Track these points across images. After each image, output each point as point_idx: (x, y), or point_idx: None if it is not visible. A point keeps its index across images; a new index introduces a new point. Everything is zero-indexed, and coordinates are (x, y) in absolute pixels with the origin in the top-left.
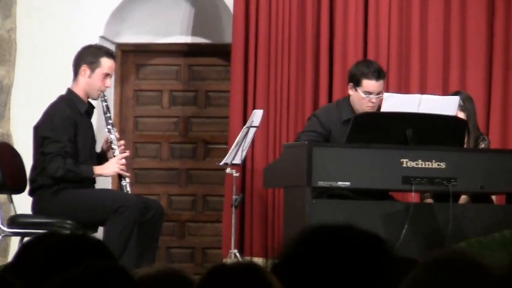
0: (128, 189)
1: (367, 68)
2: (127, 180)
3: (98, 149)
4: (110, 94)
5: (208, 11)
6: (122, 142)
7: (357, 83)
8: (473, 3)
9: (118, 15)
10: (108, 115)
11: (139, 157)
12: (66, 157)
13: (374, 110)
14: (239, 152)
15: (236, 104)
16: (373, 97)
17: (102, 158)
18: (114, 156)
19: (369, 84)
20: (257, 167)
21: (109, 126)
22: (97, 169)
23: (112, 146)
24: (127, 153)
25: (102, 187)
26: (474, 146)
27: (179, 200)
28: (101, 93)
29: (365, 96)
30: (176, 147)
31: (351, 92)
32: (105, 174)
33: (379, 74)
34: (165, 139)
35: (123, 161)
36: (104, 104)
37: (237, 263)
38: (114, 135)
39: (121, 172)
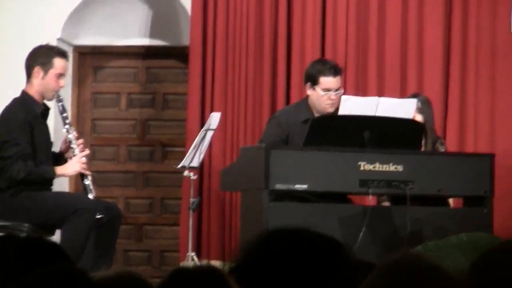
0: (91, 187)
1: (323, 65)
2: (89, 178)
3: (56, 150)
4: (68, 97)
5: (165, 13)
6: (81, 140)
7: (314, 82)
8: (431, 5)
9: (76, 17)
10: (65, 115)
11: (97, 159)
12: (27, 159)
13: (334, 107)
14: (197, 155)
15: (193, 106)
16: (332, 94)
17: (60, 159)
18: (74, 155)
19: (327, 80)
20: (214, 170)
21: (66, 126)
22: (59, 170)
23: (72, 146)
24: (87, 152)
25: (59, 190)
26: (432, 149)
27: (137, 203)
28: (56, 94)
29: (324, 93)
30: (133, 150)
31: (309, 92)
32: (67, 174)
33: (335, 70)
34: (122, 142)
35: (84, 159)
36: (60, 104)
37: (196, 266)
38: (72, 135)
39: (83, 171)
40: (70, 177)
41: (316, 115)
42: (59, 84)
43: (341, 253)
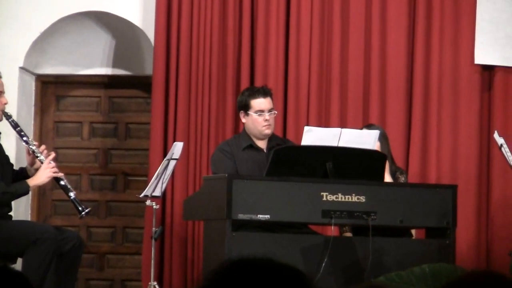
0: (69, 186)
1: (251, 90)
2: (64, 179)
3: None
4: (30, 125)
5: (129, 43)
6: (43, 147)
7: (247, 107)
8: (394, 35)
9: (39, 46)
10: (18, 129)
11: (59, 188)
12: None
13: (270, 129)
14: (159, 184)
15: (156, 136)
16: (266, 115)
17: (26, 175)
18: (42, 163)
19: (259, 102)
20: (177, 200)
21: (24, 138)
22: (31, 181)
23: (36, 155)
24: (53, 154)
25: (21, 219)
26: (392, 180)
27: (99, 232)
28: (3, 112)
29: (258, 115)
30: (96, 179)
31: (244, 120)
32: (40, 183)
33: (264, 91)
34: (85, 171)
35: (52, 163)
36: (10, 120)
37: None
38: (32, 145)
39: (55, 175)
40: (33, 192)
41: (255, 140)
42: (2, 103)
43: (302, 283)
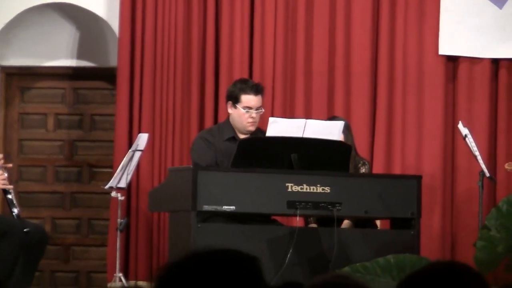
0: (15, 202)
1: (244, 84)
2: (12, 193)
3: None
4: None
5: (93, 34)
6: (1, 155)
7: (236, 100)
8: (358, 26)
9: (3, 38)
10: None
11: (24, 180)
12: None
13: (254, 126)
14: (124, 176)
15: (121, 127)
16: (253, 112)
17: None
18: None
19: (248, 98)
20: (142, 191)
21: None
22: None
23: None
24: (9, 165)
25: None
26: (354, 171)
27: (64, 224)
28: None
29: (245, 111)
30: (61, 171)
31: (230, 110)
32: None
33: (257, 88)
34: (50, 163)
35: (5, 175)
36: None
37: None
38: None
39: (3, 186)
40: None
41: (238, 133)
42: None
43: (258, 273)
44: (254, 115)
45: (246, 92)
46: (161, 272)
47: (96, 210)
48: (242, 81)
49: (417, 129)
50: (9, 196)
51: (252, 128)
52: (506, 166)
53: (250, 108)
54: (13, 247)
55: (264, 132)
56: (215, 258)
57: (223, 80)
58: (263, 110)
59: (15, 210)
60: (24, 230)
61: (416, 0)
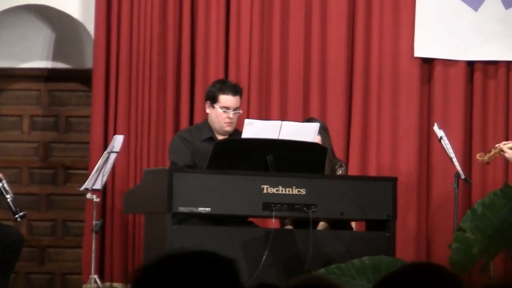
0: (7, 188)
1: (223, 84)
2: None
3: None
4: None
5: (69, 36)
6: None
7: (214, 100)
8: (334, 27)
9: None
10: None
11: None
12: None
13: (232, 127)
14: (100, 178)
15: (96, 129)
16: (231, 113)
17: None
18: None
19: (226, 99)
20: (117, 193)
21: None
22: None
23: None
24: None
25: None
26: (331, 173)
27: (39, 226)
28: None
29: (222, 111)
30: (36, 172)
31: (208, 110)
32: None
33: (235, 89)
34: (25, 164)
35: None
36: None
37: None
38: None
39: None
40: None
41: (216, 134)
42: None
43: (235, 275)
44: (231, 115)
45: (224, 92)
46: (137, 274)
47: (71, 212)
48: (221, 81)
49: (392, 130)
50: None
51: (229, 129)
52: (478, 156)
53: (227, 108)
54: None
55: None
56: (192, 260)
57: (199, 81)
58: (241, 111)
59: (8, 196)
60: (20, 214)
61: (392, 2)
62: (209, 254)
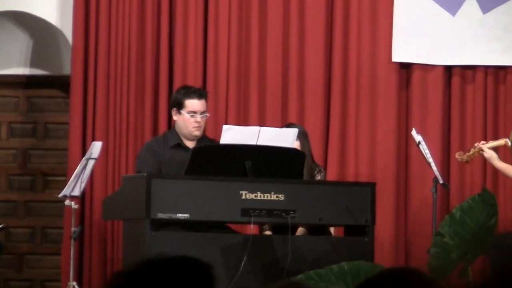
0: None
1: (188, 89)
2: None
3: None
4: None
5: (47, 43)
6: None
7: (180, 106)
8: (312, 32)
9: None
10: None
11: None
12: None
13: (200, 131)
14: (78, 184)
15: (75, 136)
16: (198, 117)
17: None
18: None
19: (192, 103)
20: (96, 199)
21: None
22: None
23: None
24: None
25: None
26: (310, 178)
27: (18, 232)
28: None
29: (190, 116)
30: (14, 179)
31: (175, 117)
32: None
33: (200, 93)
34: (3, 171)
35: None
36: None
37: None
38: None
39: None
40: None
41: (184, 140)
42: None
43: (211, 281)
44: (199, 119)
45: (189, 97)
46: (115, 280)
47: (50, 218)
48: (185, 87)
49: (370, 136)
50: None
51: (197, 133)
52: (457, 155)
53: (194, 112)
54: None
55: (211, 139)
56: (170, 266)
57: (177, 87)
58: (208, 114)
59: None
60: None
61: (369, 7)
62: (188, 260)
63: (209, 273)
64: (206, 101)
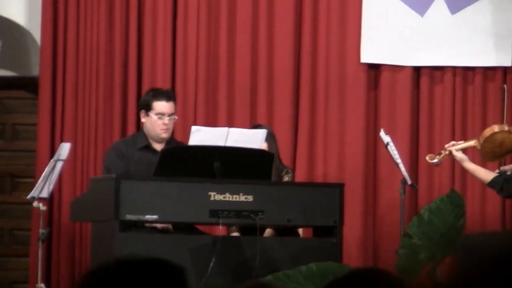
0: None
1: (156, 91)
2: None
3: None
4: None
5: (15, 44)
6: None
7: (148, 108)
8: (280, 33)
9: None
10: None
11: None
12: None
13: (167, 133)
14: (46, 186)
15: (43, 137)
16: (166, 119)
17: None
18: None
19: (161, 105)
20: (64, 201)
21: None
22: None
23: None
24: None
25: None
26: (278, 179)
27: None
28: None
29: (157, 118)
30: None
31: (144, 119)
32: None
33: (169, 95)
34: None
35: None
36: None
37: None
38: None
39: None
40: None
41: (152, 142)
42: None
43: (181, 280)
44: (166, 121)
45: (158, 99)
46: (83, 280)
47: (18, 220)
48: (154, 89)
49: (339, 136)
50: None
51: (165, 135)
52: (427, 158)
53: (162, 114)
54: None
55: (178, 141)
56: (140, 267)
57: (146, 88)
58: (176, 117)
59: None
60: None
61: (338, 8)
62: (157, 261)
63: (181, 275)
64: (175, 104)
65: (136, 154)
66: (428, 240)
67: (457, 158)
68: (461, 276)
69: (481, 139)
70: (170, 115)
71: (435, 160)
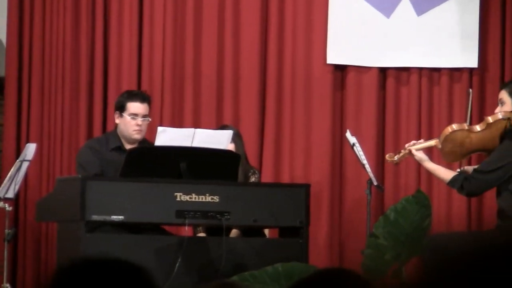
0: None
1: (131, 93)
2: None
3: None
4: None
5: None
6: None
7: (122, 109)
8: (247, 34)
9: None
10: None
11: None
12: None
13: (141, 134)
14: (12, 186)
15: (9, 137)
16: (139, 120)
17: None
18: None
19: (134, 106)
20: (30, 201)
21: None
22: None
23: None
24: None
25: None
26: (244, 180)
27: None
28: None
29: (131, 118)
30: None
31: (117, 120)
32: None
33: (143, 97)
34: None
35: None
36: None
37: None
38: None
39: None
40: None
41: (125, 143)
42: None
43: (145, 281)
44: (140, 122)
45: (132, 100)
46: (48, 281)
47: None
48: (129, 91)
49: (305, 137)
50: None
51: (138, 136)
52: (387, 157)
53: (136, 115)
54: None
55: (151, 143)
56: (102, 269)
57: (112, 89)
58: (150, 119)
59: None
60: None
61: (304, 9)
62: (120, 263)
63: (144, 277)
64: (149, 106)
65: (108, 154)
66: (394, 240)
67: (417, 158)
68: (427, 276)
69: (441, 139)
70: (143, 116)
71: (395, 159)
